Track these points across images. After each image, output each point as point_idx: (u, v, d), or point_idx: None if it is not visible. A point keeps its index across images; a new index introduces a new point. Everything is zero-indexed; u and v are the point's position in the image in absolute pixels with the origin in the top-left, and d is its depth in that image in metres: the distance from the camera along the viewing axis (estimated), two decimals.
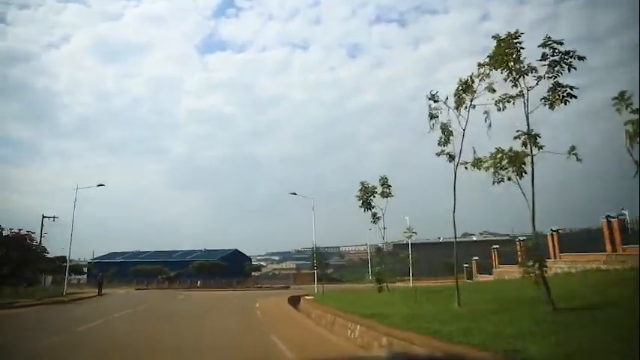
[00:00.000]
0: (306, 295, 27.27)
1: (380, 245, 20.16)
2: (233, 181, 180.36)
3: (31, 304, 21.76)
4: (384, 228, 17.96)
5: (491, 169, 8.60)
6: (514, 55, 8.23)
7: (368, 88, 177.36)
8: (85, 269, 69.43)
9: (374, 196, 18.10)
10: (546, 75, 8.11)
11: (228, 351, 8.79)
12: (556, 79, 8.10)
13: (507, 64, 8.33)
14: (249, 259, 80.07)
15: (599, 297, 8.55)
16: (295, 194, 35.33)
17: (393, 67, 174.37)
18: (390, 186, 17.74)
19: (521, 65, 8.17)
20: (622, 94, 6.48)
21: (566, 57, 7.91)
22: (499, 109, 10.24)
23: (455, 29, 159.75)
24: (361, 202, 18.12)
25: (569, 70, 8.00)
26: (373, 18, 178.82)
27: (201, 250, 75.27)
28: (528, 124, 8.10)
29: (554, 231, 20.04)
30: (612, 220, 17.17)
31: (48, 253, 30.54)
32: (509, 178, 8.44)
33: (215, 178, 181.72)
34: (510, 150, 8.32)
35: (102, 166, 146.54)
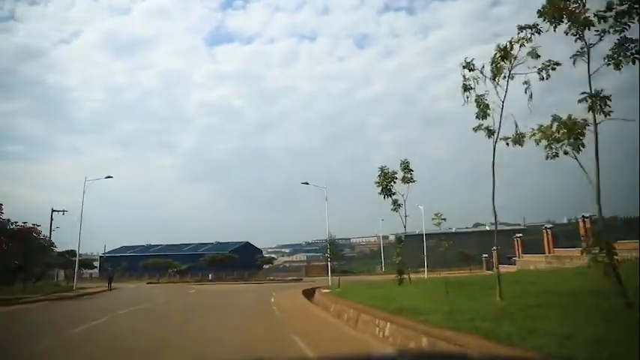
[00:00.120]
0: (321, 288, 26.34)
1: (400, 235, 18.95)
2: (242, 173, 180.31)
3: (37, 299, 21.06)
4: (406, 215, 16.86)
5: (543, 142, 7.42)
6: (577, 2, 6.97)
7: (376, 78, 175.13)
8: (96, 263, 69.46)
9: (394, 182, 16.97)
10: (612, 29, 6.86)
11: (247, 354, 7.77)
12: (623, 34, 6.85)
13: (568, 15, 7.08)
14: (260, 251, 79.52)
15: None
16: (307, 184, 34.27)
17: (402, 56, 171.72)
18: (412, 171, 16.59)
19: (586, 15, 6.91)
20: None
21: (637, 7, 6.66)
22: (542, 78, 9.07)
23: (464, 16, 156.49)
24: (381, 188, 16.98)
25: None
26: (382, 6, 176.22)
27: (212, 243, 74.87)
28: (591, 85, 6.87)
29: (586, 217, 18.71)
30: None
31: (55, 247, 29.92)
32: (565, 152, 7.26)
33: (225, 171, 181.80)
34: (569, 118, 7.12)
35: (113, 161, 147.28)
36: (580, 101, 6.69)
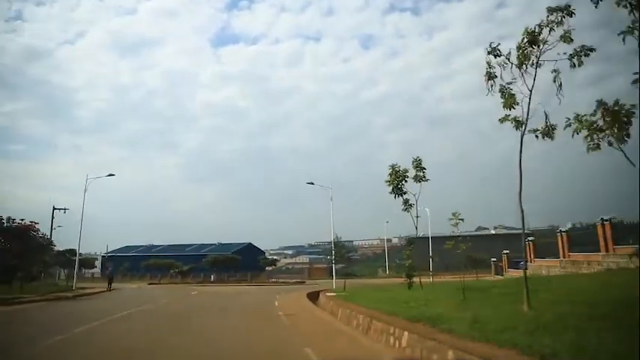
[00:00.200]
0: (326, 291, 25.56)
1: (410, 236, 18.16)
2: (247, 174, 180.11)
3: (32, 300, 20.33)
4: (417, 216, 16.06)
5: (583, 133, 6.65)
6: None
7: (382, 78, 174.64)
8: (96, 262, 68.91)
9: (405, 181, 16.19)
10: None
11: None
12: None
13: None
14: (263, 253, 78.80)
15: None
16: (313, 183, 33.51)
17: (407, 57, 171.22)
18: (425, 169, 15.81)
19: None
20: None
21: None
22: (573, 66, 8.30)
23: (470, 17, 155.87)
24: (391, 187, 16.20)
25: None
26: (387, 7, 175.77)
27: (214, 244, 74.25)
28: None
29: (606, 220, 17.82)
30: None
31: (54, 245, 29.25)
32: (609, 143, 6.48)
33: (229, 171, 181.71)
34: (616, 103, 6.35)
35: (117, 160, 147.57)
36: (634, 82, 5.88)
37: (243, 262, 58.30)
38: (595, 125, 6.55)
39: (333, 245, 31.31)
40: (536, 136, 8.08)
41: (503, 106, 8.52)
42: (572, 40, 7.98)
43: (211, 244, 74.33)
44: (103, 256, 74.45)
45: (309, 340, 9.19)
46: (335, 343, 9.32)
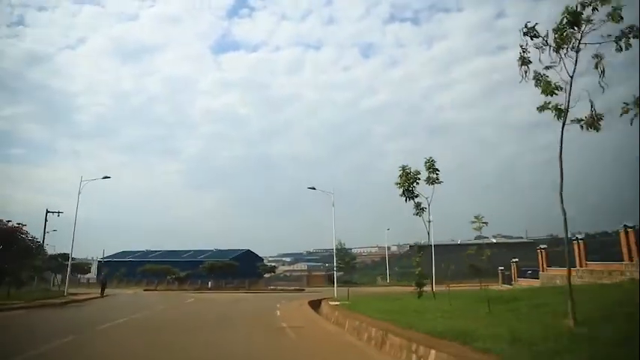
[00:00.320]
0: (328, 300, 24.44)
1: (417, 243, 17.13)
2: (247, 180, 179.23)
3: (14, 307, 19.05)
4: (430, 221, 15.05)
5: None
6: None
7: (381, 87, 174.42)
8: (92, 268, 67.52)
9: (417, 183, 15.20)
10: None
11: None
12: None
13: None
14: (261, 259, 77.45)
15: None
16: (314, 189, 32.45)
17: (407, 66, 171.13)
18: (438, 170, 14.82)
19: None
20: None
21: None
22: (619, 49, 7.36)
23: (469, 27, 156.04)
24: (402, 190, 15.19)
25: None
26: (387, 16, 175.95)
27: (212, 250, 73.00)
28: None
29: (629, 227, 16.78)
30: None
31: (44, 248, 28.03)
32: None
33: (229, 178, 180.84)
34: None
35: (118, 165, 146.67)
36: None
37: (241, 268, 57.05)
38: None
39: (335, 252, 30.26)
40: (581, 127, 7.11)
41: (542, 93, 7.55)
42: (621, 18, 7.03)
43: (209, 251, 73.07)
44: (99, 261, 73.10)
45: (320, 357, 8.10)
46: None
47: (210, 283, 51.93)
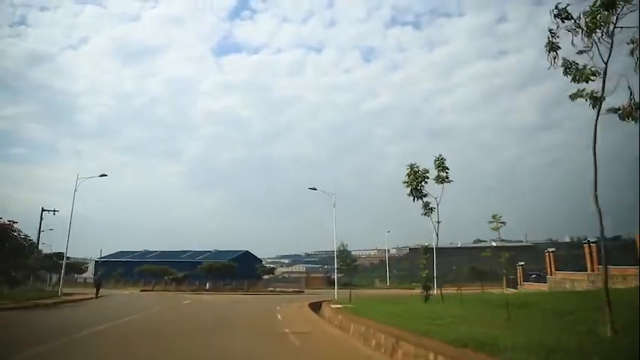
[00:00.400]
0: (329, 302, 23.75)
1: (427, 244, 16.50)
2: (248, 182, 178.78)
3: (4, 307, 18.11)
4: (439, 221, 14.39)
5: None
6: None
7: (382, 90, 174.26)
8: (89, 267, 66.76)
9: (425, 182, 14.56)
10: None
11: None
12: None
13: None
14: (260, 261, 76.65)
15: None
16: (315, 189, 31.82)
17: (408, 69, 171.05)
18: (448, 169, 14.19)
19: None
20: None
21: None
22: None
23: (470, 32, 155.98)
24: (410, 189, 14.54)
25: None
26: (388, 20, 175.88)
27: (210, 251, 72.25)
28: None
29: None
30: None
31: (37, 246, 27.25)
32: None
33: (231, 179, 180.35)
34: None
35: (119, 166, 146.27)
36: None
37: (239, 270, 56.31)
38: None
39: (336, 253, 29.68)
40: (619, 117, 6.48)
41: (573, 80, 6.94)
42: None
43: (207, 251, 72.31)
44: (96, 261, 72.29)
45: None
46: None
47: (208, 284, 51.19)
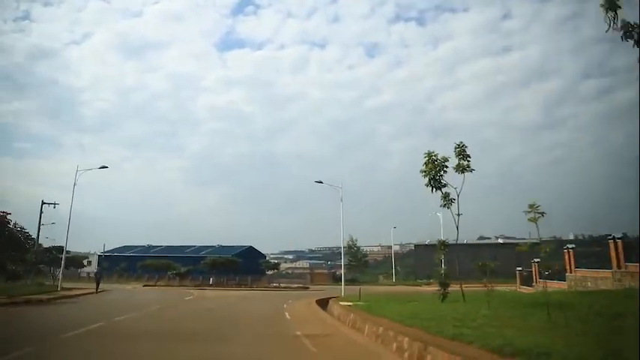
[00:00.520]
0: (337, 299, 22.80)
1: (445, 239, 15.45)
2: (251, 178, 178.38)
3: None
4: (459, 214, 13.33)
5: None
6: None
7: (386, 87, 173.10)
8: (89, 261, 66.14)
9: (445, 171, 13.50)
10: None
11: None
12: None
13: None
14: (264, 256, 75.99)
15: None
16: (322, 182, 30.78)
17: (412, 66, 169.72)
18: (470, 157, 13.10)
19: None
20: None
21: None
22: None
23: (475, 28, 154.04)
24: (427, 179, 13.48)
25: None
26: (392, 16, 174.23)
27: (214, 246, 71.55)
28: None
29: None
30: None
31: (33, 239, 26.34)
32: None
33: (234, 175, 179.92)
34: None
35: (121, 160, 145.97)
36: None
37: (243, 265, 55.51)
38: None
39: (343, 249, 28.67)
40: None
41: (637, 45, 5.87)
42: None
43: (211, 246, 71.62)
44: (99, 256, 71.75)
45: None
46: None
47: (211, 279, 50.41)
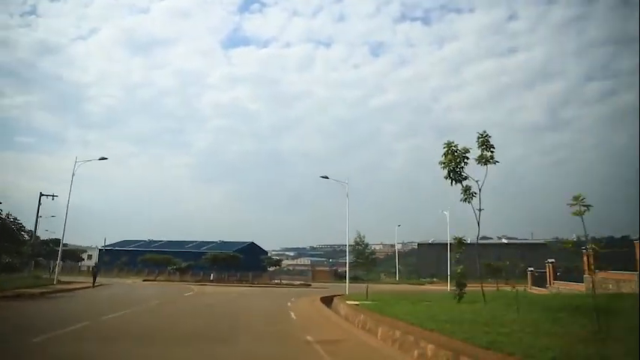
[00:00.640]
0: (343, 297, 21.84)
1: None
2: (255, 175, 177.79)
3: None
4: (480, 209, 12.33)
5: None
6: None
7: (391, 86, 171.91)
8: (88, 255, 65.49)
9: (465, 163, 12.50)
10: None
11: None
12: None
13: None
14: (265, 252, 75.05)
15: None
16: (327, 177, 29.84)
17: (417, 66, 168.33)
18: (493, 147, 12.10)
19: None
20: None
21: None
22: None
23: (480, 29, 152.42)
24: (447, 171, 12.47)
25: None
26: (398, 16, 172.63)
27: (215, 242, 70.71)
28: None
29: None
30: None
31: (25, 231, 25.41)
32: None
33: (237, 173, 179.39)
34: None
35: (126, 156, 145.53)
36: None
37: (244, 261, 54.64)
38: None
39: (348, 246, 27.71)
40: None
41: None
42: None
43: (212, 242, 70.76)
44: (100, 250, 71.09)
45: None
46: None
47: (212, 275, 49.56)
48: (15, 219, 20.89)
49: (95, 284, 28.56)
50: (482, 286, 13.02)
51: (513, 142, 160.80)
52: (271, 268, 65.23)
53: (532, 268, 31.12)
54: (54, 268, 39.06)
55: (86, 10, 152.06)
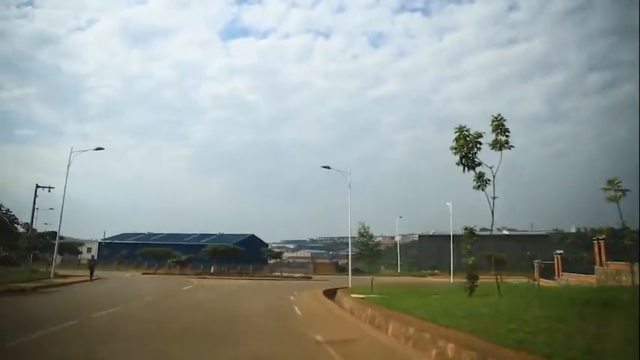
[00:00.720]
0: (346, 290, 21.27)
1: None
2: (254, 167, 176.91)
3: None
4: (494, 197, 11.64)
5: None
6: None
7: (390, 77, 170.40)
8: (89, 248, 64.95)
9: (478, 148, 11.80)
10: None
11: None
12: None
13: None
14: (265, 245, 74.53)
15: None
16: (329, 167, 29.13)
17: (417, 57, 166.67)
18: (508, 131, 11.39)
19: None
20: None
21: None
22: None
23: (480, 19, 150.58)
24: (459, 157, 11.78)
25: None
26: (397, 6, 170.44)
27: (215, 234, 70.22)
28: None
29: None
30: None
31: (17, 223, 24.76)
32: None
33: (236, 164, 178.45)
34: None
35: (124, 149, 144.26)
36: None
37: (245, 254, 54.13)
38: None
39: (350, 238, 27.15)
40: None
41: None
42: None
43: (212, 235, 70.27)
44: (99, 243, 70.59)
45: None
46: None
47: (212, 268, 49.05)
48: (8, 211, 20.24)
49: (93, 278, 27.99)
50: (497, 279, 12.33)
51: (514, 133, 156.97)
52: (272, 261, 64.80)
53: (538, 261, 30.51)
54: (59, 261, 38.55)
55: (84, 1, 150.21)
